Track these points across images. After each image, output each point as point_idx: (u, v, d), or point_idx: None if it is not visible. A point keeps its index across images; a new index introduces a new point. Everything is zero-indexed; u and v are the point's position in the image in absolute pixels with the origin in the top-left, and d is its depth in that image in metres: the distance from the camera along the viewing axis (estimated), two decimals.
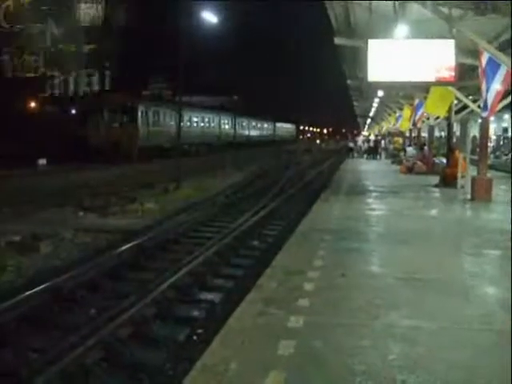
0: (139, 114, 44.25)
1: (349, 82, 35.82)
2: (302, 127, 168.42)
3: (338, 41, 20.86)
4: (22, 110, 71.79)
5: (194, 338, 7.75)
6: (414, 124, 33.15)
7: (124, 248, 11.97)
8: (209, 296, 9.47)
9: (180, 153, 27.03)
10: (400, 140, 53.01)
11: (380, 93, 39.15)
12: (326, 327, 6.55)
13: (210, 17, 28.01)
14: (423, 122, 33.30)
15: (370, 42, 13.57)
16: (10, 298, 8.43)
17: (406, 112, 37.29)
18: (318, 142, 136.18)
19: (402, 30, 15.15)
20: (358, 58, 24.95)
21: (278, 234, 14.96)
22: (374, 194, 20.92)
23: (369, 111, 69.25)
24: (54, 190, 23.65)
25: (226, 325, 6.74)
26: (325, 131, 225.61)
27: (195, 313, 8.68)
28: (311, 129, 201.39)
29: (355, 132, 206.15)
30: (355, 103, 65.56)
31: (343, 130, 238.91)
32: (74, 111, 71.48)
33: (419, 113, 30.15)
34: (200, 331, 7.94)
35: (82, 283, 9.65)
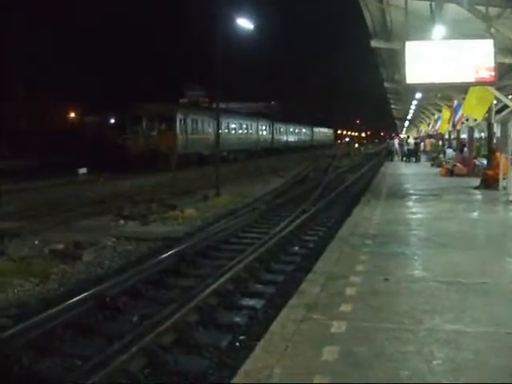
0: (177, 122, 44.58)
1: (386, 84, 35.58)
2: (339, 131, 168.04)
3: (374, 43, 20.80)
4: (63, 120, 73.11)
5: (237, 344, 7.75)
6: (454, 126, 32.79)
7: (165, 255, 12.00)
8: (250, 302, 9.45)
9: (219, 160, 27.01)
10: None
11: (418, 95, 38.90)
12: (369, 332, 6.51)
13: (245, 23, 27.95)
14: (462, 123, 32.94)
15: (407, 43, 13.48)
16: (54, 306, 8.49)
17: (445, 113, 37.00)
18: (356, 145, 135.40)
19: (439, 30, 15.03)
20: (395, 60, 24.82)
21: (319, 240, 14.92)
22: (414, 197, 20.78)
23: (407, 114, 68.79)
24: (95, 199, 23.97)
25: (268, 331, 6.75)
26: (363, 134, 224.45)
27: (237, 319, 8.67)
28: (349, 133, 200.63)
29: (393, 135, 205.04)
30: (393, 106, 65.21)
31: (381, 133, 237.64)
32: (112, 120, 72.64)
33: (458, 114, 29.84)
34: (242, 337, 7.95)
35: (124, 291, 9.71)
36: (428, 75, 13.50)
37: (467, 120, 30.90)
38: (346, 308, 7.45)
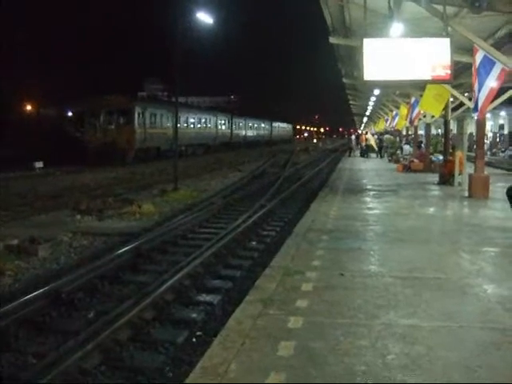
0: (135, 115, 44.22)
1: (344, 80, 35.76)
2: (298, 126, 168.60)
3: (332, 40, 20.89)
4: (19, 113, 72.05)
5: (194, 340, 7.74)
6: (411, 122, 33.14)
7: (122, 251, 11.93)
8: (207, 298, 9.44)
9: (177, 154, 26.91)
10: (370, 139, 53.32)
11: (376, 91, 39.19)
12: (325, 327, 6.55)
13: (205, 17, 27.86)
14: (420, 119, 33.32)
15: (365, 41, 13.51)
16: (8, 303, 8.38)
17: (403, 110, 37.37)
18: (314, 141, 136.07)
19: (397, 28, 15.13)
20: (353, 56, 24.98)
21: (276, 235, 14.96)
22: (371, 193, 20.95)
23: (365, 110, 69.27)
24: (51, 193, 23.70)
25: (225, 327, 6.75)
26: (321, 130, 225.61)
27: (194, 315, 8.65)
28: (307, 128, 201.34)
29: (351, 130, 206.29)
30: (352, 102, 65.53)
31: (340, 129, 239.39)
32: (69, 113, 71.83)
33: (415, 111, 30.16)
34: (199, 333, 7.94)
35: (80, 287, 9.62)
36: (385, 72, 13.53)
37: (424, 116, 31.26)
38: (302, 303, 7.49)
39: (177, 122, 28.38)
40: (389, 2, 14.18)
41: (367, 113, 74.05)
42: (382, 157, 48.79)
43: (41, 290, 9.02)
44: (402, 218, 15.04)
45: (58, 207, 19.69)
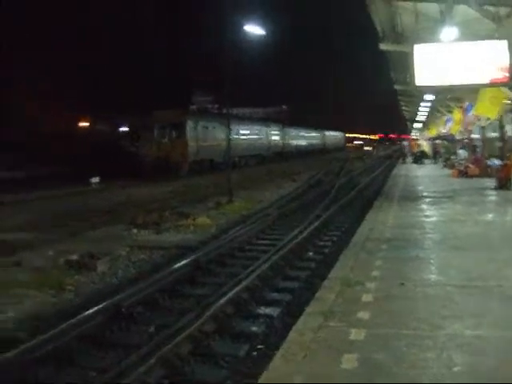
0: (188, 128, 44.55)
1: (396, 86, 35.44)
2: (350, 134, 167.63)
3: (383, 46, 20.74)
4: (74, 129, 73.21)
5: (254, 353, 7.70)
6: (466, 126, 32.61)
7: (180, 264, 11.97)
8: (267, 310, 9.40)
9: (230, 166, 27.00)
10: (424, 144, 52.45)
11: (428, 97, 38.71)
12: (388, 339, 6.46)
13: (255, 29, 27.96)
14: (474, 124, 32.78)
15: (416, 46, 13.39)
16: (70, 318, 8.47)
17: (456, 114, 36.86)
18: (367, 148, 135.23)
19: (449, 32, 14.94)
20: (405, 62, 24.74)
21: (333, 245, 14.86)
22: (427, 200, 20.69)
23: (417, 115, 68.48)
24: (107, 208, 23.99)
25: (286, 339, 6.71)
26: (373, 137, 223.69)
27: (254, 328, 8.61)
28: (359, 135, 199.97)
29: (403, 137, 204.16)
30: (404, 108, 64.89)
31: (392, 136, 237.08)
32: (124, 128, 72.81)
33: (469, 115, 29.69)
34: (260, 346, 7.90)
35: (139, 301, 9.69)
36: (438, 78, 13.42)
37: (479, 120, 30.74)
38: (363, 315, 7.40)
39: (229, 133, 28.46)
40: (440, 6, 14.02)
41: (419, 118, 73.17)
42: (436, 162, 48.17)
43: (101, 305, 9.08)
44: (459, 224, 14.78)
45: (114, 222, 19.90)
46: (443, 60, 13.31)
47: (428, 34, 15.96)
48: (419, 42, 13.59)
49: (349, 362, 5.83)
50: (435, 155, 49.69)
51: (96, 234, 17.66)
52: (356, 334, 6.71)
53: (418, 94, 38.10)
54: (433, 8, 14.51)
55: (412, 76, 13.68)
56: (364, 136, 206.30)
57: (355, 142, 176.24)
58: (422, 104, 46.83)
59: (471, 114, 28.89)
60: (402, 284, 8.79)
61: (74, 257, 13.84)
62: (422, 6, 14.74)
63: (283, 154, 70.20)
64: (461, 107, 34.22)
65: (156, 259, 14.07)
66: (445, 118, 46.63)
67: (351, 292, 8.52)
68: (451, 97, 36.16)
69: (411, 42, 14.79)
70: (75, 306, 10.12)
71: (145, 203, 25.55)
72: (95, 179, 38.42)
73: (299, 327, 7.11)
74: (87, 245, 15.39)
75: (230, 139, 28.65)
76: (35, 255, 14.49)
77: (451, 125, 42.19)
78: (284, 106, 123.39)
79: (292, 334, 6.86)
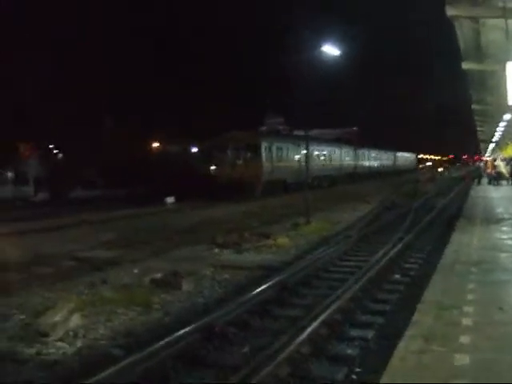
0: (262, 149, 44.77)
1: (474, 106, 34.91)
2: (421, 155, 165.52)
3: (465, 65, 20.43)
4: (146, 150, 74.57)
5: (353, 377, 7.56)
6: None
7: (267, 285, 11.88)
8: (360, 333, 9.23)
9: (307, 187, 26.90)
10: (500, 165, 51.08)
11: (507, 116, 37.95)
12: (494, 365, 6.27)
13: (331, 50, 27.94)
14: None
15: (510, 64, 13.07)
16: (164, 337, 8.47)
17: None
18: (440, 169, 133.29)
19: None
20: (486, 81, 24.36)
21: (419, 268, 14.57)
22: (510, 222, 20.16)
23: (493, 136, 67.31)
24: (186, 228, 24.20)
25: (389, 364, 6.58)
26: (444, 158, 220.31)
27: (349, 350, 8.46)
28: (431, 156, 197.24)
29: (476, 158, 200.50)
30: (479, 128, 63.87)
31: (464, 157, 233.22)
32: (197, 149, 73.71)
33: None
34: (358, 369, 7.76)
35: (230, 321, 9.65)
36: None
37: None
38: (465, 339, 7.26)
39: (308, 154, 28.45)
40: None
41: (494, 139, 71.91)
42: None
43: (193, 325, 9.05)
44: None
45: (195, 241, 20.02)
46: None
47: None
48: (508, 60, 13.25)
49: None
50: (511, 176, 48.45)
51: (178, 253, 17.78)
52: (460, 359, 6.54)
53: (496, 113, 37.51)
54: None
55: (503, 95, 13.33)
56: (435, 157, 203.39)
57: (427, 164, 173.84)
58: (500, 124, 46.06)
59: None
60: (501, 309, 8.57)
61: (159, 275, 13.95)
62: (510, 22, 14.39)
63: (355, 175, 69.74)
64: None
65: (240, 279, 14.03)
66: None
67: (449, 316, 8.36)
68: None
69: (499, 61, 14.47)
70: (165, 325, 10.18)
71: (222, 223, 25.70)
72: (170, 199, 38.86)
73: (401, 351, 6.97)
74: (171, 263, 15.52)
75: (308, 160, 28.55)
76: (121, 273, 14.69)
77: None
78: (354, 128, 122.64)
79: (394, 359, 6.72)
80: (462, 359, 6.54)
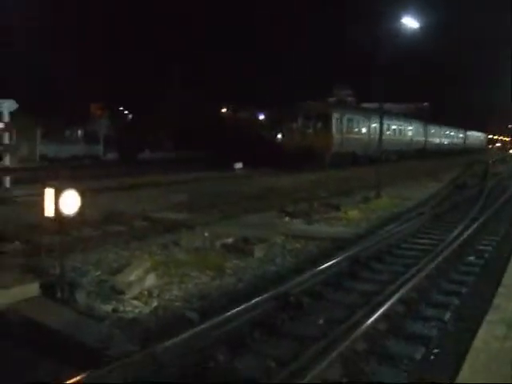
0: (333, 120, 44.45)
1: None
2: (490, 136, 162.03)
3: None
4: (215, 116, 75.07)
5: (432, 357, 7.44)
6: None
7: (341, 257, 11.79)
8: (436, 313, 9.08)
9: (381, 160, 26.60)
10: None
11: None
12: None
13: (410, 22, 27.49)
14: None
15: None
16: (239, 303, 8.45)
17: None
18: (511, 151, 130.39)
19: None
20: None
21: (493, 250, 14.25)
22: None
23: None
24: (254, 194, 24.22)
25: (472, 347, 6.46)
26: None
27: (426, 330, 8.32)
28: (501, 138, 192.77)
29: None
30: None
31: None
32: (265, 117, 73.79)
33: None
34: (436, 351, 7.63)
35: (305, 291, 9.62)
36: None
37: None
38: None
39: (381, 128, 28.09)
40: None
41: None
42: None
43: (268, 293, 9.01)
44: None
45: (264, 208, 20.03)
46: None
47: None
48: None
49: None
50: None
51: (248, 219, 17.80)
52: None
53: None
54: None
55: None
56: (506, 138, 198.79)
57: (497, 144, 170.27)
58: None
59: None
60: None
61: (230, 240, 14.03)
62: None
63: (424, 152, 68.72)
64: None
65: (311, 250, 13.98)
66: None
67: None
68: None
69: None
70: (239, 291, 10.22)
71: (291, 192, 25.63)
72: (239, 165, 38.97)
73: (482, 335, 6.84)
74: (241, 229, 15.53)
75: (381, 133, 28.20)
76: (192, 236, 14.78)
77: None
78: (425, 103, 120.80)
79: (477, 342, 6.60)
80: None
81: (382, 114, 27.87)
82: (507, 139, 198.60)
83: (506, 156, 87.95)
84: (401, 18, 27.36)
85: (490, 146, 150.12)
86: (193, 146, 57.83)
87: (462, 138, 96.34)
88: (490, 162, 58.42)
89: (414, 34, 29.60)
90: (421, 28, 28.64)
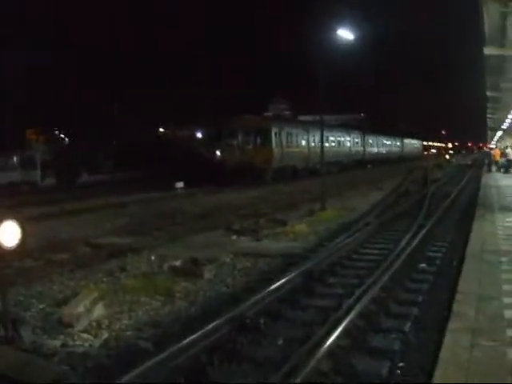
0: (273, 135, 44.32)
1: (489, 93, 34.47)
2: (425, 142, 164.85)
3: (488, 51, 20.05)
4: (154, 136, 74.51)
5: (398, 371, 7.24)
6: None
7: (294, 273, 11.53)
8: (397, 324, 8.89)
9: (324, 173, 26.58)
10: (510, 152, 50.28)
11: None
12: None
13: (346, 34, 27.58)
14: None
15: None
16: (197, 329, 8.08)
17: None
18: (447, 157, 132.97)
19: None
20: (506, 67, 23.99)
21: (444, 256, 14.24)
22: None
23: (502, 123, 66.86)
24: (199, 213, 23.90)
25: (440, 358, 6.29)
26: (449, 145, 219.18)
27: (388, 343, 8.12)
28: (435, 144, 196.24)
29: (481, 145, 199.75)
30: (490, 115, 63.42)
31: (469, 144, 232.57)
32: (200, 135, 73.66)
33: None
34: (401, 364, 7.43)
35: (261, 311, 9.33)
36: None
37: None
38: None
39: (323, 140, 28.08)
40: None
41: (504, 126, 71.45)
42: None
43: (222, 316, 8.67)
44: None
45: (210, 227, 19.73)
46: None
47: None
48: None
49: None
50: None
51: (195, 240, 17.45)
52: None
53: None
54: None
55: None
56: (440, 144, 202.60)
57: (432, 151, 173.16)
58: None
59: None
60: None
61: (178, 262, 13.68)
62: None
63: (363, 162, 69.33)
64: None
65: (262, 267, 13.71)
66: None
67: (490, 307, 8.10)
68: None
69: None
70: (192, 316, 9.88)
71: (235, 209, 25.41)
72: (180, 184, 38.49)
73: (449, 345, 6.68)
74: (188, 250, 15.23)
75: (323, 145, 28.16)
76: (138, 260, 14.42)
77: None
78: (362, 114, 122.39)
79: (445, 353, 6.43)
80: None
81: (322, 128, 27.79)
82: (442, 145, 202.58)
83: (442, 162, 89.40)
84: (336, 30, 27.42)
85: (426, 153, 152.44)
86: (133, 167, 57.12)
87: (399, 146, 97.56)
88: (429, 168, 59.25)
89: (349, 46, 29.75)
90: (355, 40, 28.77)
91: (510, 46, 19.22)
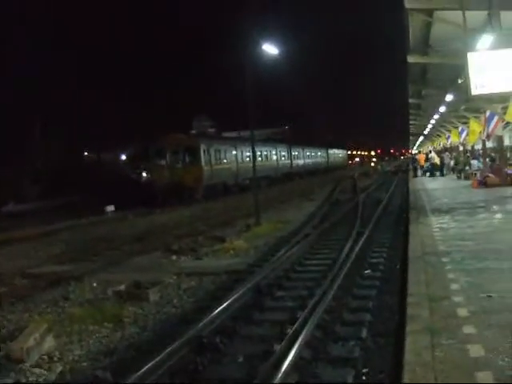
0: (201, 153, 44.15)
1: (411, 100, 35.29)
2: (349, 151, 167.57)
3: (411, 59, 20.54)
4: (80, 160, 73.36)
5: (364, 378, 7.29)
6: (488, 136, 31.96)
7: (242, 290, 11.46)
8: (353, 332, 8.95)
9: (256, 188, 26.67)
10: (434, 157, 51.73)
11: (442, 108, 38.53)
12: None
13: (271, 49, 27.75)
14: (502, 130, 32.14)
15: (470, 55, 13.06)
16: (155, 354, 7.92)
17: (473, 125, 36.49)
18: (372, 164, 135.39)
19: (488, 40, 14.72)
20: (426, 75, 24.57)
21: (386, 261, 14.46)
22: (462, 211, 20.40)
23: (424, 129, 68.62)
24: (135, 236, 23.62)
25: (405, 360, 6.38)
26: (372, 153, 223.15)
27: (349, 351, 8.16)
28: (359, 152, 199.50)
29: (403, 151, 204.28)
30: (412, 122, 64.98)
31: (392, 151, 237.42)
32: (124, 157, 72.96)
33: (492, 124, 29.22)
34: (365, 370, 7.49)
35: (216, 330, 9.26)
36: (494, 85, 13.10)
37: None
38: (469, 330, 7.17)
39: (254, 155, 28.14)
40: (489, 14, 13.75)
41: (425, 132, 73.34)
42: (443, 175, 47.69)
43: (178, 338, 8.53)
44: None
45: (147, 250, 19.46)
46: (499, 68, 12.97)
47: (461, 44, 15.67)
48: (469, 51, 13.23)
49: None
50: (442, 167, 49.11)
51: (135, 263, 17.25)
52: (475, 351, 6.39)
53: (428, 107, 38.05)
54: (477, 17, 14.21)
55: (467, 85, 13.32)
56: (363, 153, 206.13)
57: (356, 160, 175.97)
58: (432, 117, 46.79)
59: (494, 122, 28.44)
60: (490, 296, 8.55)
61: (122, 287, 13.43)
62: (466, 14, 14.38)
63: (291, 174, 69.88)
64: (477, 117, 33.99)
65: (208, 286, 13.61)
66: (458, 129, 46.21)
67: (442, 307, 8.25)
68: (466, 107, 36.01)
69: (448, 53, 14.53)
70: (145, 341, 9.70)
71: (170, 229, 25.27)
72: (110, 208, 37.98)
73: (411, 347, 6.77)
74: (130, 274, 14.99)
75: (254, 160, 28.19)
76: (80, 287, 14.13)
77: (465, 135, 42.08)
78: (286, 127, 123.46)
79: (409, 355, 6.51)
80: (477, 351, 6.47)
81: (253, 143, 27.87)
82: (365, 153, 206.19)
83: (368, 170, 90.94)
84: (261, 45, 27.57)
85: (351, 162, 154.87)
86: (60, 194, 56.05)
87: (324, 156, 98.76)
88: (356, 176, 60.28)
89: (274, 60, 29.98)
90: (280, 54, 29.00)
91: (433, 55, 19.71)
